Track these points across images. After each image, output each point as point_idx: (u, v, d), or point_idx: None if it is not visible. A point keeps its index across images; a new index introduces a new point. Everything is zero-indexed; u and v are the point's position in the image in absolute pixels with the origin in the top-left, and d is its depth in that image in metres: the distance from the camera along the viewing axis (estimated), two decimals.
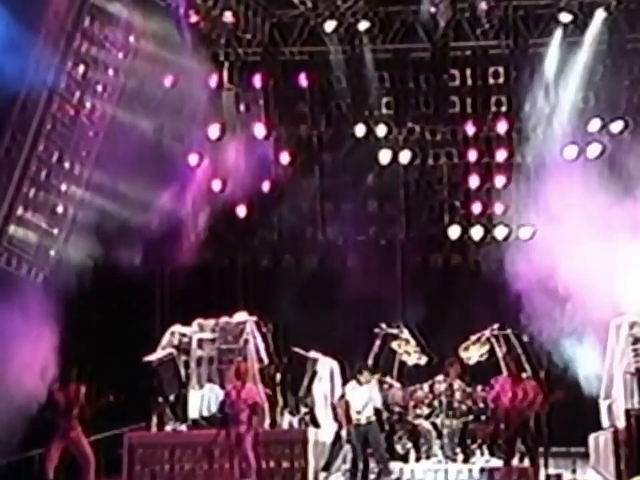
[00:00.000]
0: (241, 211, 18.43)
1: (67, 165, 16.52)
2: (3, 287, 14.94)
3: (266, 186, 18.42)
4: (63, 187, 16.58)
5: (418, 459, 15.08)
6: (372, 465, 14.62)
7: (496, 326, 15.76)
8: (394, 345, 15.83)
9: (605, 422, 15.43)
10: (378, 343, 15.78)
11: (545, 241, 16.91)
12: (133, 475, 15.14)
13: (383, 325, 15.92)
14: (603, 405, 15.51)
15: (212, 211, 18.15)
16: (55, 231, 16.71)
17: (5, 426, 14.56)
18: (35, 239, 16.34)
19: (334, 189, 18.17)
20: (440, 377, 15.30)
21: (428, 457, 15.07)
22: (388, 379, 15.70)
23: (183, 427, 15.71)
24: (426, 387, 15.27)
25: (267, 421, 15.75)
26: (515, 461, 13.98)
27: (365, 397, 14.60)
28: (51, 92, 15.71)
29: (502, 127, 17.95)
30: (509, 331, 15.68)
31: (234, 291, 17.14)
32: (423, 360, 15.80)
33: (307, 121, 18.48)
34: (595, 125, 17.60)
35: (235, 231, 18.44)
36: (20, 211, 15.86)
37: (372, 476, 14.53)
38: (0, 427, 14.56)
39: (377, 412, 14.76)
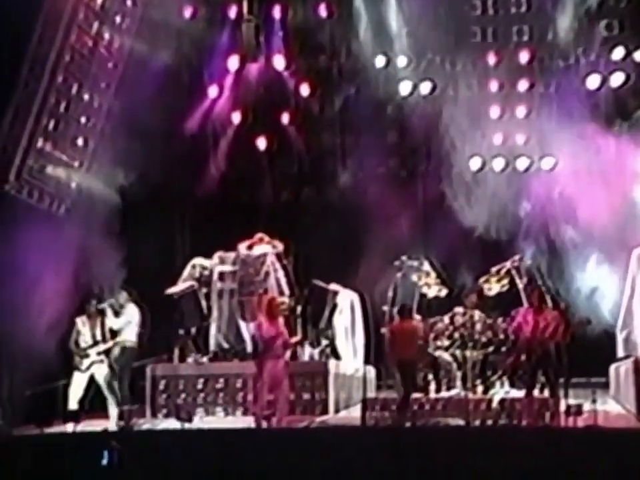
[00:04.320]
0: (261, 143, 18.39)
1: (86, 96, 16.49)
2: (25, 219, 14.97)
3: (286, 118, 18.35)
4: (83, 119, 16.53)
5: (438, 391, 15.10)
6: None
7: (517, 257, 15.72)
8: (414, 277, 15.80)
9: (620, 352, 15.46)
10: (398, 275, 15.77)
11: (567, 171, 16.78)
12: (156, 406, 15.35)
13: (404, 257, 15.86)
14: (620, 336, 15.52)
15: (232, 143, 18.10)
16: (76, 163, 16.70)
17: (29, 357, 14.65)
18: (55, 172, 16.34)
19: (354, 121, 17.99)
20: (460, 309, 15.28)
21: (448, 389, 15.09)
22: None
23: (205, 359, 15.85)
24: (446, 318, 15.24)
25: (288, 354, 15.72)
26: (535, 392, 14.00)
27: None
28: (69, 23, 15.60)
29: (524, 56, 17.72)
30: (529, 262, 15.64)
31: (254, 223, 16.97)
32: (443, 292, 15.79)
33: (327, 52, 18.28)
34: (618, 53, 17.36)
35: (255, 163, 18.37)
36: (40, 143, 15.87)
37: None
38: (25, 358, 14.70)
39: None
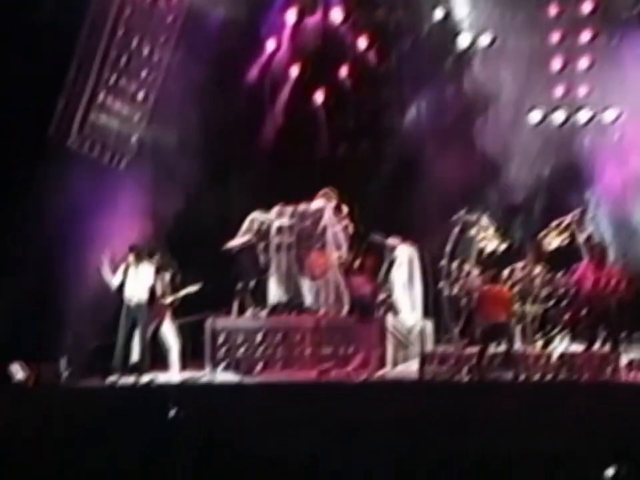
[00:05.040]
0: (319, 97, 18.27)
1: (146, 51, 16.46)
2: (86, 173, 15.03)
3: (343, 71, 18.19)
4: (143, 74, 16.54)
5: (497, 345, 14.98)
6: None
7: (577, 211, 15.53)
8: (473, 231, 15.74)
9: None
10: (457, 229, 15.71)
11: (630, 123, 16.48)
12: (215, 359, 15.41)
13: (462, 212, 15.81)
14: None
15: (289, 97, 18.01)
16: (136, 118, 16.70)
17: (93, 309, 14.87)
18: (116, 126, 16.37)
19: (411, 74, 17.78)
20: (520, 263, 15.17)
21: None
22: (467, 266, 15.65)
23: (263, 313, 15.91)
24: (505, 273, 15.13)
25: (346, 308, 15.90)
26: (596, 347, 13.88)
27: None
28: None
29: (587, 6, 17.36)
30: (590, 216, 15.45)
31: (311, 177, 16.86)
32: (502, 246, 15.68)
33: (385, 5, 18.00)
34: None
35: (312, 117, 18.24)
36: (101, 97, 15.93)
37: None
38: (88, 310, 14.87)
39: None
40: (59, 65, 15.19)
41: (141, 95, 16.61)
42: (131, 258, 14.85)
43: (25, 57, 14.61)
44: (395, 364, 15.32)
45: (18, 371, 14.00)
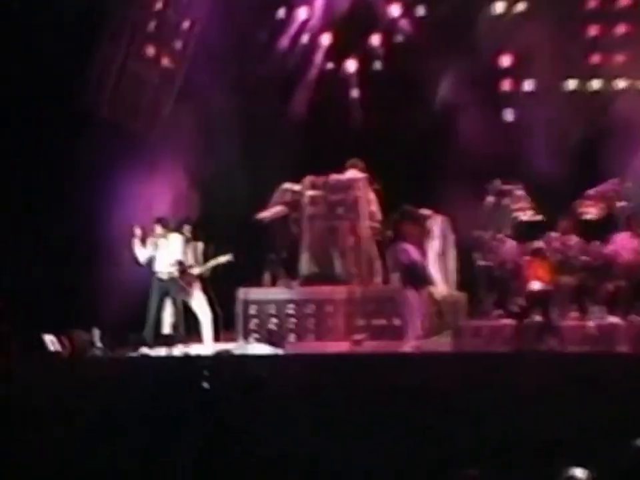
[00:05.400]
0: (351, 66, 18.08)
1: (176, 19, 16.38)
2: (119, 141, 15.08)
3: (375, 40, 17.99)
4: (174, 42, 16.45)
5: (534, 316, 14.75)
6: None
7: (615, 180, 15.28)
8: (507, 200, 15.50)
9: None
10: (492, 199, 15.49)
11: None
12: (247, 330, 15.38)
13: (497, 181, 15.57)
14: None
15: (321, 66, 17.89)
16: (168, 88, 16.64)
17: (125, 282, 14.82)
18: (148, 96, 16.29)
19: (445, 44, 17.48)
20: (555, 233, 14.94)
21: None
22: (501, 236, 15.42)
23: (295, 284, 15.84)
24: (540, 243, 14.85)
25: (379, 278, 15.91)
26: (632, 317, 13.70)
27: None
28: None
29: None
30: (628, 185, 15.19)
31: (344, 148, 16.66)
32: (538, 216, 15.46)
33: None
34: None
35: (344, 85, 18.12)
36: (132, 66, 15.86)
37: None
38: (121, 282, 14.84)
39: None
40: (89, 34, 15.14)
41: (172, 64, 16.53)
42: (159, 230, 14.81)
43: (56, 28, 14.60)
44: (428, 336, 15.16)
45: (52, 342, 13.99)
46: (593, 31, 17.38)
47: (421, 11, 17.74)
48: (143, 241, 14.77)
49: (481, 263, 15.44)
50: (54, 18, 14.67)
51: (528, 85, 17.14)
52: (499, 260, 15.19)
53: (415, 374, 11.76)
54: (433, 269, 15.95)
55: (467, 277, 15.79)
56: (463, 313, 15.80)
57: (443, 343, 14.50)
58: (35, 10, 14.59)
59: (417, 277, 13.96)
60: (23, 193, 14.98)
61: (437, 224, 15.95)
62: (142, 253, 14.74)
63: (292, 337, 15.21)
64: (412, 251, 13.51)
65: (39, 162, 14.84)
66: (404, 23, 17.85)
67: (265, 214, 15.99)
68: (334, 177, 16.12)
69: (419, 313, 13.32)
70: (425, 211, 15.84)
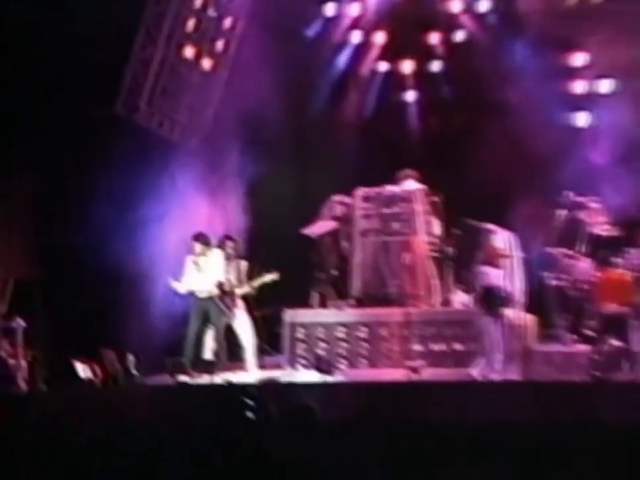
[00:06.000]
0: (407, 67, 17.32)
1: (217, 17, 15.91)
2: (154, 150, 14.71)
3: (434, 38, 17.20)
4: (215, 42, 16.00)
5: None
6: None
7: None
8: (581, 214, 14.72)
9: None
10: (564, 212, 14.64)
11: None
12: (294, 352, 14.94)
13: (570, 193, 14.71)
14: None
15: (374, 66, 17.31)
16: (208, 92, 16.15)
17: (161, 304, 14.41)
18: (188, 100, 15.89)
19: (509, 41, 16.46)
20: (634, 250, 13.96)
21: None
22: (575, 253, 14.63)
23: (346, 305, 15.27)
24: (618, 260, 13.89)
25: (438, 300, 15.25)
26: None
27: None
28: None
29: None
30: None
31: (400, 156, 16.03)
32: (615, 231, 14.63)
33: None
34: None
35: (400, 88, 17.46)
36: (171, 67, 15.41)
37: None
38: (156, 305, 14.45)
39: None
40: (126, 33, 14.73)
41: (212, 65, 16.06)
42: (198, 248, 14.25)
43: (92, 27, 14.03)
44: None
45: (84, 369, 13.53)
46: None
47: (483, 6, 16.91)
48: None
49: (553, 282, 14.64)
50: (89, 18, 14.11)
51: (603, 87, 16.02)
52: (572, 279, 14.48)
53: (481, 406, 11.40)
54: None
55: (536, 298, 14.93)
56: (532, 338, 14.88)
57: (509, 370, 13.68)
58: (70, 9, 14.06)
59: (496, 300, 13.46)
60: (55, 213, 14.58)
61: (502, 240, 14.97)
62: (180, 281, 14.22)
63: (343, 363, 14.71)
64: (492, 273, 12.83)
65: (70, 176, 14.46)
66: (465, 20, 17.11)
67: (314, 229, 15.51)
68: (388, 188, 15.61)
69: (499, 344, 12.84)
70: (489, 226, 14.97)
